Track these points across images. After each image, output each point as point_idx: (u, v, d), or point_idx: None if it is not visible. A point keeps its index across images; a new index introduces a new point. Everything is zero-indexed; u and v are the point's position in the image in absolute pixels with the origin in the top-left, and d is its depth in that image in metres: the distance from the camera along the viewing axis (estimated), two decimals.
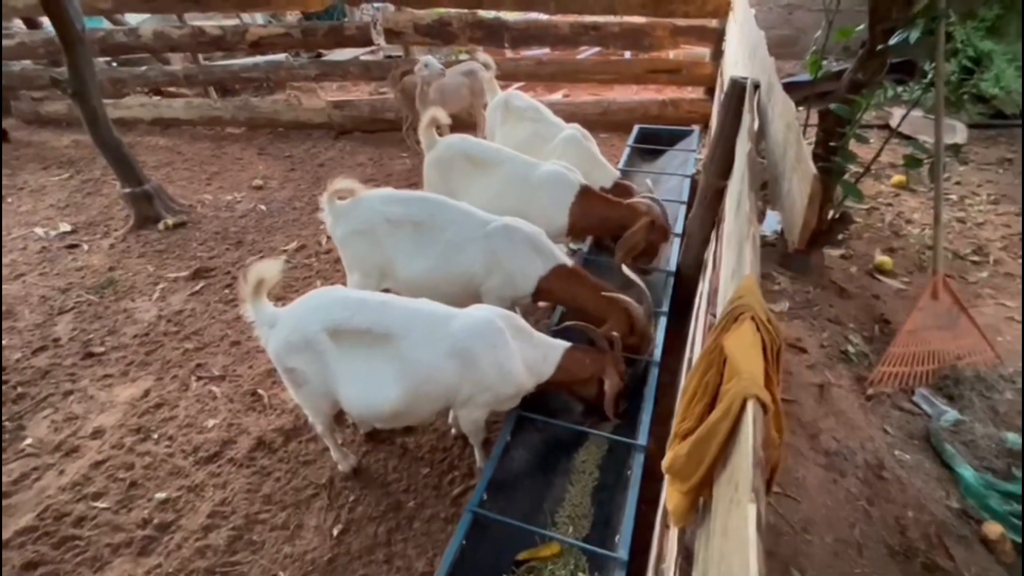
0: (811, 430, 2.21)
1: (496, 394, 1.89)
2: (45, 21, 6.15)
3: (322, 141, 5.56)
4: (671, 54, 5.73)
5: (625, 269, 2.42)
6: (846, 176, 2.67)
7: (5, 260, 3.84)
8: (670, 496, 0.96)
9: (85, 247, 3.97)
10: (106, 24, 6.20)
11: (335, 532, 2.05)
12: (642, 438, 1.88)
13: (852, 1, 3.37)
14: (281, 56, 6.32)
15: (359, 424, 2.40)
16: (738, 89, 2.18)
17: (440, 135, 2.90)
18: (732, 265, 1.25)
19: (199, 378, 2.79)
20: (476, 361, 1.82)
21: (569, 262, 2.38)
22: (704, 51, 5.28)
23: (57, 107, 6.23)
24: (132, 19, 6.62)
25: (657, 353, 2.28)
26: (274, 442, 2.41)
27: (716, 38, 4.85)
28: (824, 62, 3.18)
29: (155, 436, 2.49)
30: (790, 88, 1.85)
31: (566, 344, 1.98)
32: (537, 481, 1.99)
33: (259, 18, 7.33)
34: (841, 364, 2.52)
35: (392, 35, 5.02)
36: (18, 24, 6.62)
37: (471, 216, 2.35)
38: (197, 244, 3.93)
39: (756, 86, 2.17)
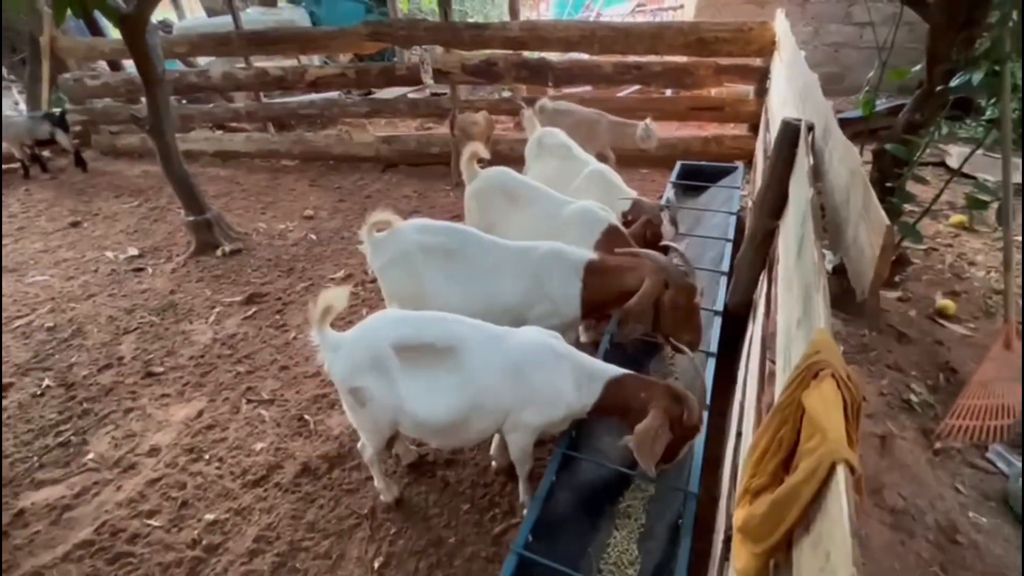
0: (873, 484, 2.08)
1: (547, 415, 1.91)
2: (126, 63, 6.76)
3: (370, 173, 5.80)
4: (713, 91, 5.78)
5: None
6: (903, 216, 2.60)
7: (79, 281, 4.12)
8: (738, 555, 0.93)
9: (150, 271, 4.23)
10: (180, 66, 6.74)
11: (376, 565, 2.05)
12: (693, 485, 1.81)
13: (904, 38, 3.34)
14: (335, 94, 6.70)
15: (404, 456, 2.42)
16: (791, 131, 2.17)
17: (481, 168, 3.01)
18: (797, 313, 1.22)
19: (249, 401, 2.88)
20: (528, 378, 1.87)
21: (595, 256, 2.39)
22: (747, 88, 5.29)
23: (131, 140, 6.75)
24: (202, 61, 7.18)
25: (706, 396, 2.21)
26: (319, 468, 2.45)
27: (760, 76, 4.86)
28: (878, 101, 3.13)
29: (206, 457, 2.57)
30: (841, 125, 1.83)
31: (617, 371, 1.96)
32: (582, 524, 1.95)
33: (316, 59, 7.81)
34: (904, 414, 2.39)
35: (440, 74, 5.25)
36: (102, 66, 7.29)
37: (504, 248, 2.42)
38: (251, 270, 4.12)
39: (810, 128, 2.16)
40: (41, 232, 4.94)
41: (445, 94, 5.76)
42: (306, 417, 2.74)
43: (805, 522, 0.73)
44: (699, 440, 2.00)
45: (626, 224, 2.95)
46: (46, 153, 6.29)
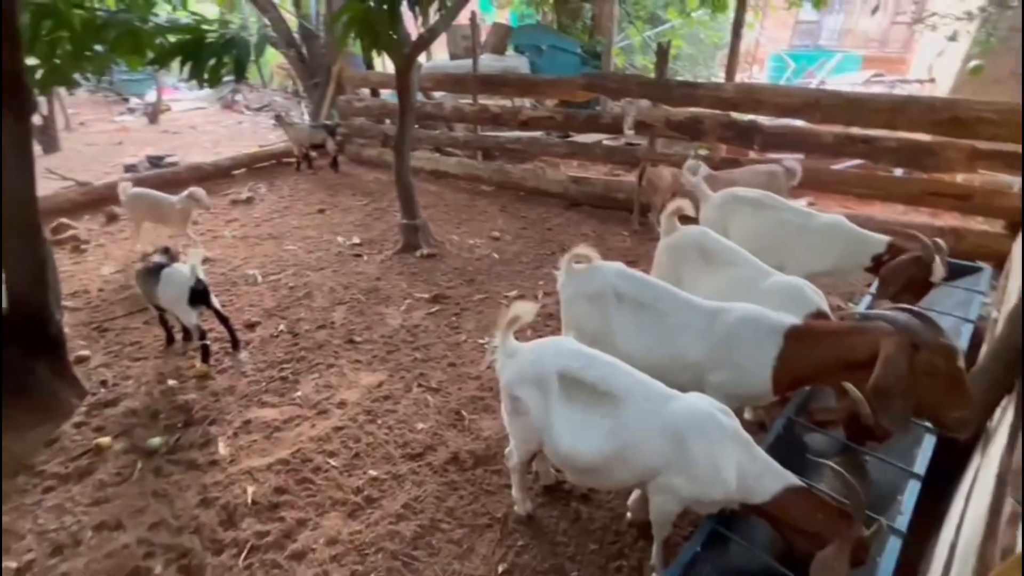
0: None
1: (699, 490, 1.80)
2: (383, 92, 8.34)
3: (554, 209, 6.18)
4: (959, 177, 4.95)
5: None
6: None
7: (316, 255, 5.13)
8: None
9: (365, 258, 5.07)
10: (421, 97, 8.08)
11: (500, 569, 2.13)
12: None
13: None
14: (538, 133, 7.34)
15: (543, 476, 2.49)
16: None
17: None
18: None
19: (419, 385, 3.26)
20: (687, 448, 1.78)
21: (797, 320, 2.14)
22: (1011, 180, 4.42)
23: (371, 152, 8.23)
24: (436, 94, 8.50)
25: (903, 521, 1.87)
26: (466, 462, 2.65)
27: None
28: None
29: (379, 422, 2.96)
30: None
31: (794, 480, 1.77)
32: None
33: (527, 102, 8.67)
34: None
35: (643, 127, 5.42)
36: (364, 92, 9.07)
37: (698, 307, 2.34)
38: (440, 274, 4.68)
39: None
40: (299, 213, 6.28)
41: (640, 144, 5.91)
42: (463, 412, 3.00)
43: None
44: (887, 570, 1.70)
45: (879, 263, 2.65)
46: (314, 154, 8.01)
